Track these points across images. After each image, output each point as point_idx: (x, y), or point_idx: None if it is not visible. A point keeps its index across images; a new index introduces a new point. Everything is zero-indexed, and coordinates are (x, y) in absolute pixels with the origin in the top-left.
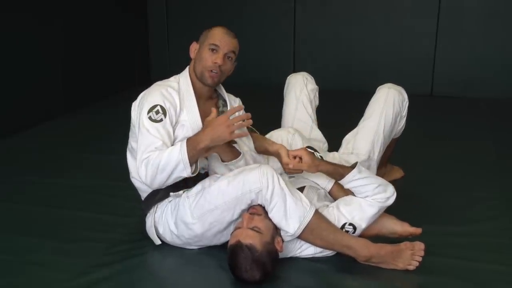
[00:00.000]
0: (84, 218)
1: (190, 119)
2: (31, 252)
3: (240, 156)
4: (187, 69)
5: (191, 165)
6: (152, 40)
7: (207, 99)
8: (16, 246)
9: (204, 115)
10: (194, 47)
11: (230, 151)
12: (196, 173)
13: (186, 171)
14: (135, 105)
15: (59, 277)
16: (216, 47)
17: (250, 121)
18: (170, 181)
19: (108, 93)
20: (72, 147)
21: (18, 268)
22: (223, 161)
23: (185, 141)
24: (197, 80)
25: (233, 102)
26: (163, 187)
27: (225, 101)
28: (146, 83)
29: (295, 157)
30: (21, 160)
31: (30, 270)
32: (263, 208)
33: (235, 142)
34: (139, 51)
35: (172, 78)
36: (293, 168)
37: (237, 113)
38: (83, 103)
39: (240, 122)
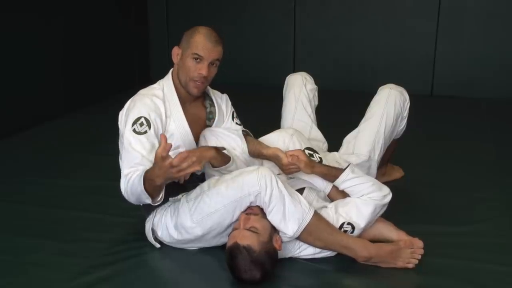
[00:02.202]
0: (84, 218)
1: (178, 127)
2: (31, 252)
3: (231, 162)
4: (170, 74)
5: (155, 197)
6: (152, 40)
7: (193, 101)
8: (16, 246)
9: (191, 119)
10: (176, 52)
11: (220, 158)
12: (160, 202)
13: (149, 201)
14: (121, 116)
15: (59, 277)
16: (200, 57)
17: (198, 168)
18: (145, 203)
19: (108, 93)
20: (72, 147)
21: (18, 268)
22: (214, 167)
23: (143, 174)
24: (181, 86)
25: (220, 99)
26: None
27: (211, 100)
28: (146, 83)
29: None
30: (21, 160)
31: (30, 270)
32: (261, 208)
33: (224, 149)
34: (139, 51)
35: (156, 85)
36: (291, 164)
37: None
38: (83, 103)
39: (183, 165)
